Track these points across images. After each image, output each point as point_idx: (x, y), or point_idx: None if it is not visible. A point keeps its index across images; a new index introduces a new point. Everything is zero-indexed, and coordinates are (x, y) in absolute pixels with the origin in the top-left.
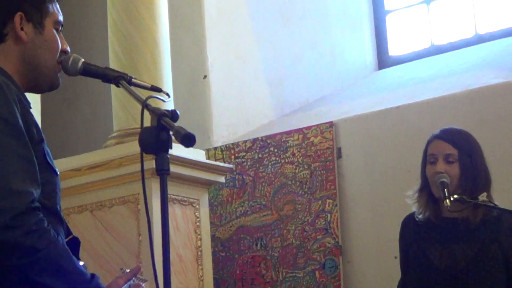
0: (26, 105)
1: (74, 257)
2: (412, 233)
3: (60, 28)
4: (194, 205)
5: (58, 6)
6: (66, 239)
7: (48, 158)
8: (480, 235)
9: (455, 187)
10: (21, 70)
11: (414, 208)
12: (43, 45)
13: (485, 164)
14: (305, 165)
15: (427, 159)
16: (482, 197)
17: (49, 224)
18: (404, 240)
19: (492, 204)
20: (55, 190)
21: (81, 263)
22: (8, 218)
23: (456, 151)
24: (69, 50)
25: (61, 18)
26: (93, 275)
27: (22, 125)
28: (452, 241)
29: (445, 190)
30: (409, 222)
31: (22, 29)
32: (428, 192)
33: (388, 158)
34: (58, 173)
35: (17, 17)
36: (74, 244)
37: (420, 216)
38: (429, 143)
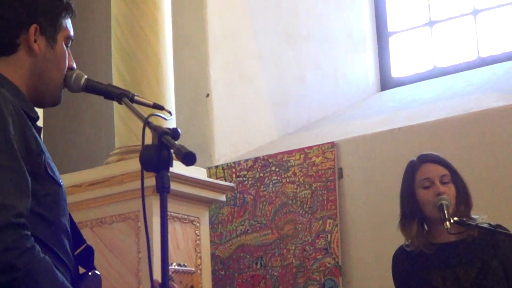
0: (25, 117)
1: (60, 277)
2: (408, 265)
3: (69, 44)
4: (194, 223)
5: (70, 22)
6: (79, 249)
7: (49, 170)
8: (478, 254)
9: (453, 207)
10: (28, 83)
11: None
12: (54, 60)
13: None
14: (306, 185)
15: (420, 184)
16: (479, 216)
17: (33, 244)
18: (402, 273)
19: (491, 225)
20: (58, 202)
21: (97, 272)
22: None
23: (448, 171)
24: (75, 67)
25: (72, 34)
26: None
27: (14, 137)
28: (453, 264)
29: (446, 212)
30: (401, 255)
31: (35, 41)
32: (418, 220)
33: (389, 179)
34: (63, 184)
35: (32, 28)
36: (88, 253)
37: (411, 248)
38: (417, 168)
